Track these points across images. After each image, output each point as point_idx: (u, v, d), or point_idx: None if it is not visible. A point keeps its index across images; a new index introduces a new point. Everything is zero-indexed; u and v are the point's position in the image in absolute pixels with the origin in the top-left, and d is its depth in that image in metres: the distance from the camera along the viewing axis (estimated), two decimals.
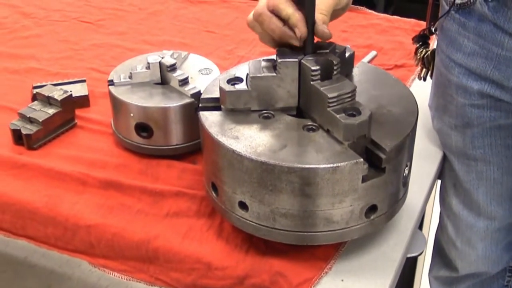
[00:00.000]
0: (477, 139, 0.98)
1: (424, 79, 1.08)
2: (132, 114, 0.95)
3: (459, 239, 1.08)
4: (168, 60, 0.97)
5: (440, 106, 1.02)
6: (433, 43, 1.08)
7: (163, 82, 0.98)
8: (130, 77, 0.97)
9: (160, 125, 0.95)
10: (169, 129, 0.96)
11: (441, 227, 1.13)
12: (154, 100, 0.94)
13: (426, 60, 1.05)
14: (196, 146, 0.97)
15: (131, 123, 0.96)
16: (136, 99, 0.95)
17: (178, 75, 0.96)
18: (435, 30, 1.01)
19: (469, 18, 0.91)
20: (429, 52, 1.05)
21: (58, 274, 1.90)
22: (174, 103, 0.94)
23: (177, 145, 0.97)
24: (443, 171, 1.06)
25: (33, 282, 1.88)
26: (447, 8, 0.94)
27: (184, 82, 0.95)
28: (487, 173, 1.01)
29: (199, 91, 0.93)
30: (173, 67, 0.97)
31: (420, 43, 1.06)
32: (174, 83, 0.96)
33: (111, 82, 0.98)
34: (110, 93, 0.97)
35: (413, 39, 1.08)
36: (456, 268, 1.11)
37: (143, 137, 0.97)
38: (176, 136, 0.97)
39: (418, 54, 1.07)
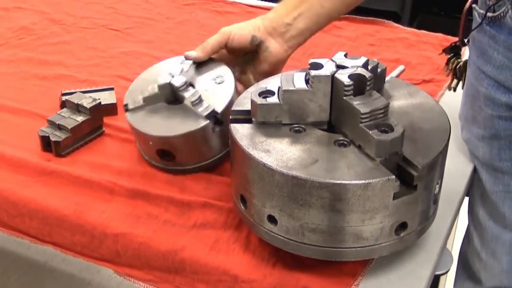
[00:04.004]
0: (504, 151, 0.98)
1: (454, 90, 1.09)
2: (151, 143, 0.94)
3: (484, 250, 1.07)
4: (178, 80, 0.94)
5: (469, 116, 1.02)
6: (464, 54, 1.08)
7: (177, 99, 0.96)
8: (145, 101, 0.95)
9: (180, 150, 0.94)
10: (189, 151, 0.95)
11: (467, 238, 1.12)
12: (171, 127, 0.92)
13: (458, 70, 1.06)
14: (219, 160, 0.97)
15: (151, 148, 0.96)
16: (153, 127, 0.93)
17: (190, 95, 0.93)
18: (468, 41, 1.01)
19: (500, 31, 0.91)
20: (461, 62, 1.05)
21: (78, 279, 1.91)
22: (191, 127, 0.91)
23: (199, 162, 0.97)
24: (473, 181, 1.05)
25: (53, 286, 1.89)
26: (479, 20, 0.94)
27: (197, 102, 0.92)
28: None
29: (213, 109, 0.91)
30: (183, 87, 0.94)
31: (452, 54, 1.06)
32: (188, 102, 0.93)
33: (126, 107, 0.96)
34: (127, 119, 0.96)
35: (444, 50, 1.08)
36: (480, 280, 1.10)
37: (165, 160, 0.96)
38: (198, 156, 0.96)
39: (450, 65, 1.07)
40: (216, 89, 0.96)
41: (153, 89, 0.95)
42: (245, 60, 1.01)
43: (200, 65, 0.99)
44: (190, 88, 0.95)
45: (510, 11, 0.88)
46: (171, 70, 0.96)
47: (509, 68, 0.91)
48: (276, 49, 0.98)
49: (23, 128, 1.08)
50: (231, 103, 0.92)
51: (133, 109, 0.96)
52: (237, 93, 0.97)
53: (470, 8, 0.98)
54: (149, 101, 0.96)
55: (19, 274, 1.92)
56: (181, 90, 0.94)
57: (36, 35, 1.40)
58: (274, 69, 0.99)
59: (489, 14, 0.91)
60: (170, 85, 0.95)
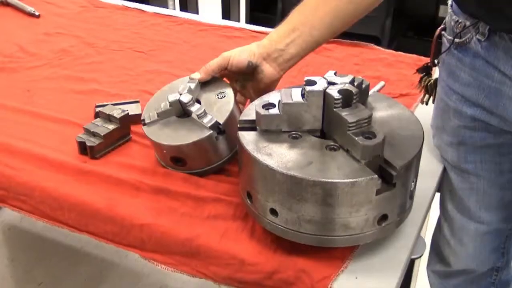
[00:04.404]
0: (469, 155, 0.98)
1: (426, 103, 1.08)
2: (165, 151, 0.95)
3: (453, 239, 1.07)
4: (186, 97, 0.94)
5: (440, 126, 1.02)
6: (435, 73, 1.08)
7: (185, 113, 0.96)
8: (159, 115, 0.96)
9: (189, 156, 0.94)
10: (198, 157, 0.95)
11: (439, 228, 1.12)
12: (181, 137, 0.92)
13: (429, 87, 1.06)
14: (223, 163, 0.97)
15: (166, 156, 0.96)
16: (166, 138, 0.93)
17: (196, 109, 0.93)
18: (437, 63, 1.01)
19: (465, 54, 0.91)
20: (432, 80, 1.05)
21: (108, 262, 1.91)
22: (198, 137, 0.91)
23: (207, 166, 0.97)
24: (443, 180, 1.05)
25: (88, 268, 1.89)
26: (447, 45, 0.94)
27: (202, 115, 0.93)
28: (477, 185, 1.00)
29: (216, 121, 0.92)
30: (190, 103, 0.94)
31: (424, 73, 1.06)
32: (194, 116, 0.94)
33: (143, 122, 0.96)
34: (144, 132, 0.96)
35: (417, 70, 1.08)
36: (449, 263, 1.10)
37: (178, 165, 0.96)
38: (205, 161, 0.96)
39: (422, 82, 1.07)
40: (218, 103, 0.96)
41: (165, 105, 0.95)
42: (244, 77, 1.01)
43: (205, 83, 0.99)
44: (196, 103, 0.95)
45: (474, 37, 0.88)
46: (180, 89, 0.96)
47: (473, 85, 0.91)
48: (270, 71, 0.98)
49: (63, 134, 1.08)
50: (231, 114, 0.93)
51: (149, 123, 0.96)
52: (237, 105, 0.97)
53: (440, 34, 0.98)
54: (162, 116, 0.96)
55: (59, 257, 1.92)
56: (188, 106, 0.94)
57: (73, 56, 1.40)
58: (269, 87, 0.99)
59: (457, 40, 0.91)
60: (179, 101, 0.95)
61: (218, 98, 0.97)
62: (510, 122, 0.90)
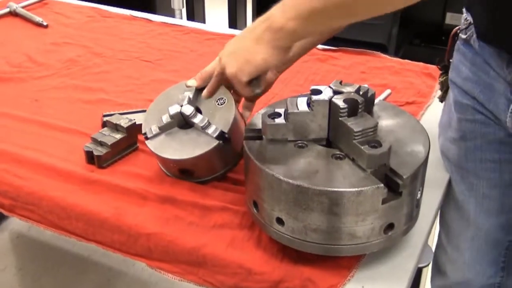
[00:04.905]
0: (470, 153, 0.97)
1: (441, 101, 1.08)
2: (172, 164, 0.95)
3: (449, 245, 1.06)
4: (187, 109, 0.94)
5: (446, 123, 1.02)
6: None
7: (188, 123, 0.96)
8: (161, 129, 0.95)
9: (198, 166, 0.95)
10: (205, 167, 0.95)
11: (438, 235, 1.11)
12: (188, 149, 0.92)
13: (443, 84, 1.06)
14: (229, 170, 0.98)
15: (173, 168, 0.96)
16: (173, 152, 0.92)
17: (199, 120, 0.93)
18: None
19: (469, 50, 0.93)
20: (446, 77, 1.05)
21: (116, 270, 1.92)
22: (205, 148, 0.91)
23: (213, 174, 0.97)
24: None
25: (95, 277, 1.89)
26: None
27: (206, 126, 0.93)
28: (477, 186, 0.98)
29: (221, 130, 0.91)
30: (192, 114, 0.94)
31: (443, 70, 1.07)
32: (198, 127, 0.93)
33: (145, 136, 0.96)
34: (148, 147, 0.95)
35: (438, 65, 1.08)
36: (446, 273, 1.07)
37: (185, 175, 0.97)
38: (212, 169, 0.96)
39: (440, 79, 1.07)
40: (220, 110, 0.95)
41: (166, 118, 0.95)
42: None
43: (202, 88, 0.98)
44: (198, 114, 0.94)
45: (474, 35, 0.90)
46: (180, 99, 0.96)
47: (471, 80, 0.93)
48: (266, 74, 0.97)
49: (70, 144, 1.09)
50: (234, 121, 0.93)
51: (152, 136, 0.95)
52: (237, 110, 0.97)
53: (456, 31, 0.98)
54: (164, 128, 0.95)
55: (67, 266, 1.93)
56: (190, 117, 0.94)
57: (81, 66, 1.41)
58: (265, 88, 0.99)
59: (462, 35, 0.94)
60: (180, 113, 0.95)
61: (218, 105, 0.96)
62: (500, 120, 0.90)
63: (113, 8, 1.76)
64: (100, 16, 1.71)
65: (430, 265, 1.03)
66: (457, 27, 0.98)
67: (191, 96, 0.96)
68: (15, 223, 2.09)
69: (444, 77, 1.06)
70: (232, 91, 0.98)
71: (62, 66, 1.41)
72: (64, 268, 1.93)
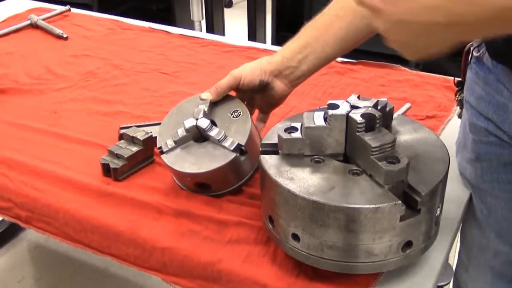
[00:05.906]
0: (486, 174, 0.95)
1: (460, 117, 1.06)
2: (189, 178, 0.94)
3: (470, 264, 1.03)
4: (203, 123, 0.93)
5: (462, 142, 1.00)
6: None
7: (203, 136, 0.95)
8: (176, 143, 0.95)
9: (214, 180, 0.94)
10: (221, 180, 0.95)
11: (459, 253, 1.09)
12: (205, 163, 0.91)
13: (460, 102, 1.04)
14: (244, 183, 0.97)
15: (190, 182, 0.96)
16: (189, 165, 0.92)
17: (215, 134, 0.93)
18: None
19: (481, 68, 0.91)
20: (463, 95, 1.04)
21: (132, 283, 1.92)
22: (222, 162, 0.91)
23: (230, 187, 0.97)
24: None
25: None
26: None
27: (223, 139, 0.92)
28: (496, 207, 0.96)
29: (238, 143, 0.91)
30: (208, 127, 0.93)
31: (460, 87, 1.05)
32: (214, 140, 0.93)
33: (160, 150, 0.95)
34: (164, 161, 0.94)
35: (455, 83, 1.06)
36: None
37: (202, 189, 0.96)
38: (229, 183, 0.96)
39: (457, 97, 1.06)
40: (235, 123, 0.95)
41: (182, 131, 0.95)
42: (253, 91, 1.01)
43: (216, 102, 0.99)
44: (214, 127, 0.94)
45: (486, 53, 0.88)
46: (195, 113, 0.95)
47: (485, 99, 0.90)
48: (281, 88, 0.98)
49: (87, 156, 1.09)
50: (250, 134, 0.93)
51: (168, 151, 0.95)
52: (252, 123, 0.96)
53: (469, 49, 0.97)
54: (180, 142, 0.95)
55: (83, 277, 1.94)
56: (207, 130, 0.93)
57: (100, 78, 1.42)
58: (278, 102, 1.00)
59: (475, 53, 0.92)
60: (196, 127, 0.94)
61: (233, 117, 0.96)
62: None
63: (133, 21, 1.78)
64: (119, 29, 1.72)
65: (451, 284, 1.01)
66: (470, 43, 0.97)
67: (206, 109, 0.96)
68: (33, 234, 2.11)
69: (461, 95, 1.05)
70: (245, 103, 0.98)
71: (81, 78, 1.42)
72: (81, 279, 1.94)
